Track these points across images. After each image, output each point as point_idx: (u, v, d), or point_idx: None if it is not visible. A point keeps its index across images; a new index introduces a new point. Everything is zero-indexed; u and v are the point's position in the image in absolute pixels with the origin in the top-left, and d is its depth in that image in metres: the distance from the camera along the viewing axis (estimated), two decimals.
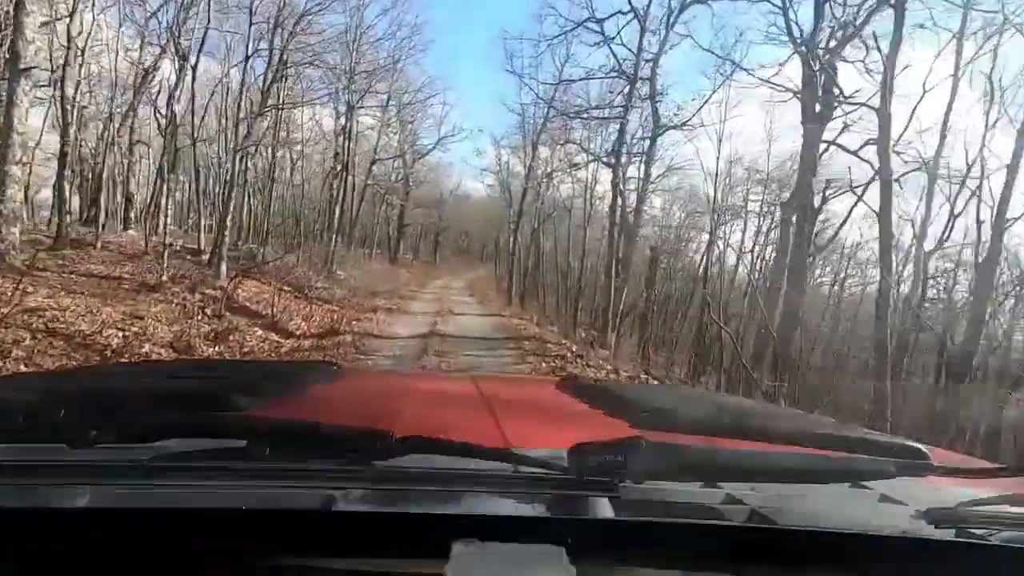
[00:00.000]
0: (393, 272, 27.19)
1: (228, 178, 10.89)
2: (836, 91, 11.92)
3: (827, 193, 12.96)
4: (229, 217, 10.82)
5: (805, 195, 11.99)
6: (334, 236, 20.03)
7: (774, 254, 21.62)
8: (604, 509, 0.60)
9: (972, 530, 0.61)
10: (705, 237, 26.37)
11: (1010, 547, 0.61)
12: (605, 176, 20.94)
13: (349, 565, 0.54)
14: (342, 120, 21.43)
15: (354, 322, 11.87)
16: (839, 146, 14.89)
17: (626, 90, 15.23)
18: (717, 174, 18.18)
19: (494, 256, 40.89)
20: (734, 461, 0.68)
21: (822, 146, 15.58)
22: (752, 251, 22.89)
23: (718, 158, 18.16)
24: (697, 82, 29.74)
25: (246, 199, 19.66)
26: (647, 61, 15.30)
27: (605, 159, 17.71)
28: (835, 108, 12.02)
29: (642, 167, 15.44)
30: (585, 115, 15.69)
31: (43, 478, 0.61)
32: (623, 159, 15.37)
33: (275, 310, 9.87)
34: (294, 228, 25.45)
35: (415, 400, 1.30)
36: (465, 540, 0.51)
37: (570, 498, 0.62)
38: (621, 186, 15.53)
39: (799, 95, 12.68)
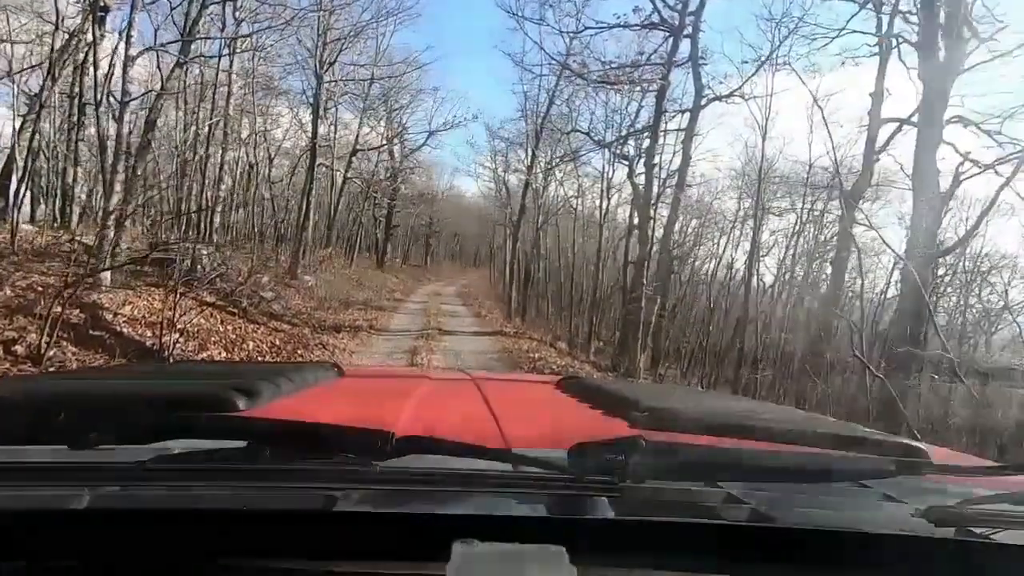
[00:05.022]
0: (377, 277, 23.90)
1: (117, 145, 7.54)
2: (967, 32, 8.71)
3: (960, 173, 9.61)
4: (118, 201, 7.39)
5: (926, 176, 8.73)
6: (301, 235, 16.60)
7: (830, 257, 18.70)
8: (604, 509, 0.60)
9: (972, 529, 0.61)
10: (722, 240, 23.52)
11: (1011, 546, 0.60)
12: (620, 168, 17.85)
13: (350, 566, 0.53)
14: (323, 106, 18.29)
15: (300, 351, 8.48)
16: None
17: (665, 45, 11.89)
18: (762, 159, 14.93)
19: (489, 259, 38.08)
20: (734, 461, 0.68)
21: (888, 127, 12.72)
22: (791, 255, 19.66)
23: (763, 139, 14.89)
24: (736, 51, 26.13)
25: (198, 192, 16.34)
26: (690, 14, 12.05)
27: (631, 139, 14.36)
28: (967, 56, 8.80)
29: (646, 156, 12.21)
30: (616, 70, 12.15)
31: (43, 480, 0.61)
32: (659, 138, 12.00)
33: (169, 338, 6.44)
34: (257, 228, 22.31)
35: (415, 400, 1.28)
36: (466, 540, 0.50)
37: (570, 498, 0.61)
38: (656, 169, 12.18)
39: (911, 37, 9.48)
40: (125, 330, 6.69)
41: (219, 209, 15.82)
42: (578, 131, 19.72)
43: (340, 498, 0.58)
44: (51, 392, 0.92)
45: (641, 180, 18.22)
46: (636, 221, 18.96)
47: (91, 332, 6.08)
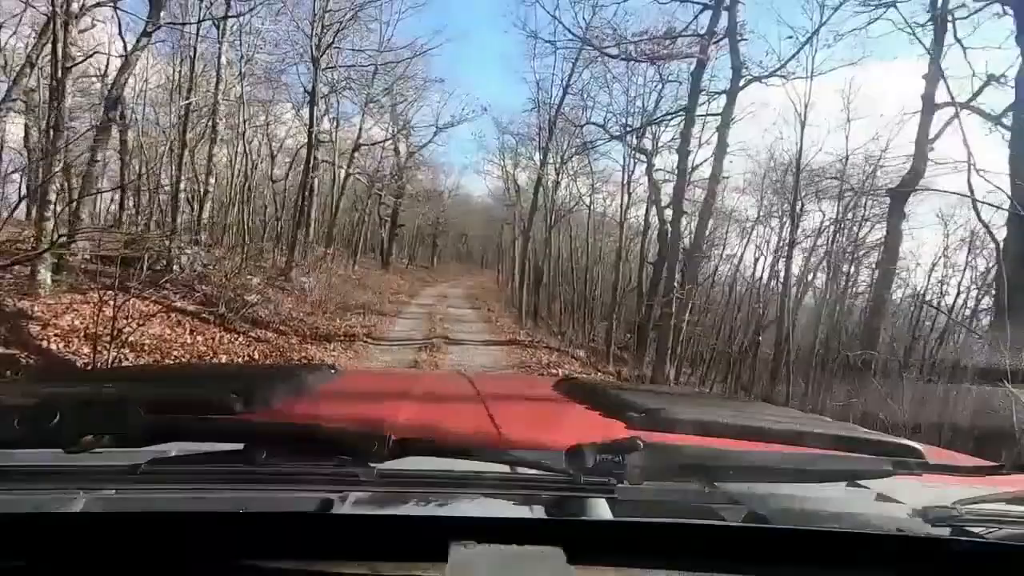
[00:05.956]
0: (381, 279, 22.66)
1: (58, 119, 6.27)
2: None
3: None
4: (60, 188, 6.12)
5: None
6: (296, 233, 15.33)
7: (876, 256, 17.17)
8: (602, 510, 0.59)
9: (968, 528, 0.60)
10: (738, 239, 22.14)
11: (1006, 545, 0.60)
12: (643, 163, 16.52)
13: (348, 568, 0.52)
14: (322, 95, 17.20)
15: None
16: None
17: (696, 22, 10.48)
18: (800, 148, 13.48)
19: (496, 261, 37.03)
20: (731, 461, 0.68)
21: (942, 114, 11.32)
22: (818, 254, 18.15)
23: (803, 126, 13.46)
24: (770, 30, 23.70)
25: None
26: None
27: (652, 127, 12.98)
28: None
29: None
30: (649, 42, 10.62)
31: (40, 483, 0.60)
32: (695, 123, 10.60)
33: (107, 355, 5.14)
34: (259, 227, 21.22)
35: (413, 402, 1.28)
36: (463, 542, 0.50)
37: (568, 499, 0.61)
38: (691, 157, 10.77)
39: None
40: (55, 345, 5.40)
41: (207, 204, 14.59)
42: (593, 124, 18.48)
43: (337, 500, 0.57)
44: (47, 395, 0.90)
45: (660, 176, 16.99)
46: (650, 219, 17.73)
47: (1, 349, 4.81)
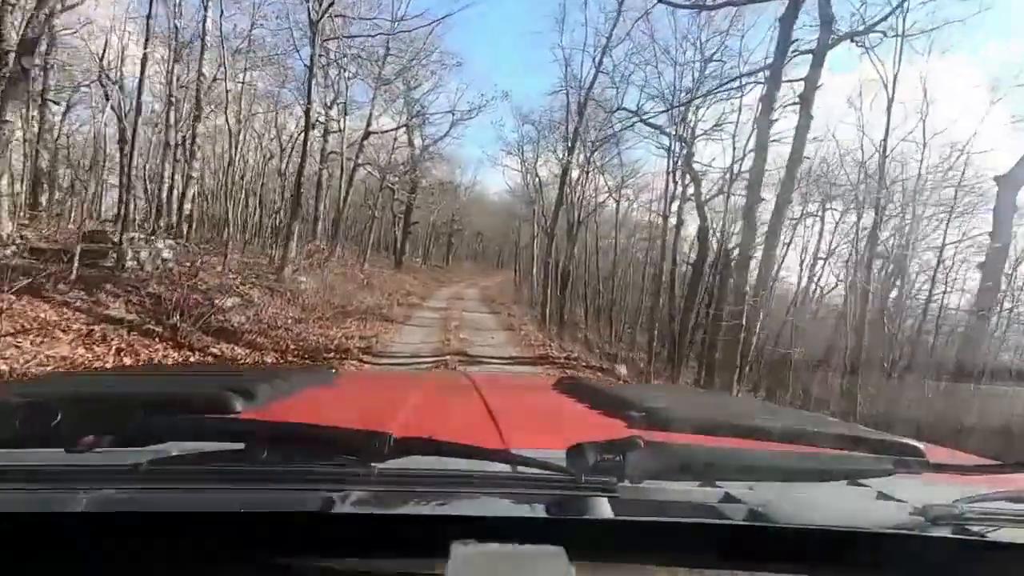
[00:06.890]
0: (392, 279, 20.78)
1: None
2: None
3: None
4: None
5: None
6: (292, 225, 13.38)
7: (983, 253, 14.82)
8: (603, 509, 0.59)
9: (968, 527, 0.60)
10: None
11: (1006, 543, 0.59)
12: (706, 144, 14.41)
13: (348, 567, 0.52)
14: (323, 67, 15.39)
15: None
16: None
17: None
18: (888, 125, 11.19)
19: (514, 260, 35.07)
20: (732, 460, 0.68)
21: None
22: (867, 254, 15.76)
23: (891, 100, 11.19)
24: None
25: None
26: None
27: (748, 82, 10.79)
28: None
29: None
30: None
31: (41, 483, 0.60)
32: (780, 86, 8.41)
33: None
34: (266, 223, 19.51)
35: (414, 401, 1.27)
36: (464, 541, 0.50)
37: (569, 498, 0.61)
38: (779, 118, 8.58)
39: None
40: None
41: (191, 192, 12.74)
42: (624, 110, 16.44)
43: (338, 500, 0.57)
44: (48, 396, 0.88)
45: (697, 167, 14.83)
46: (683, 216, 15.64)
47: None
